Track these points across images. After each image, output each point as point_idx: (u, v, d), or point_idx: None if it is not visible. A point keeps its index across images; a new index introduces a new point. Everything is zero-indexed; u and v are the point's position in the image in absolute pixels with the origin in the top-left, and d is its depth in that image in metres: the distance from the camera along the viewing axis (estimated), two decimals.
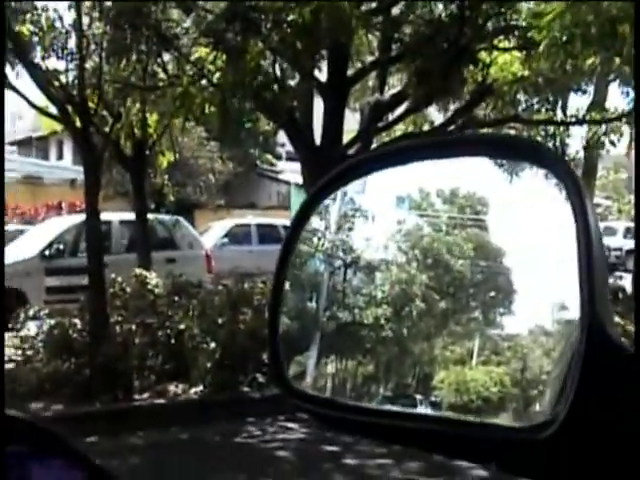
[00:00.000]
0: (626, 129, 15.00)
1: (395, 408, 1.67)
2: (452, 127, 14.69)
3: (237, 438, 10.22)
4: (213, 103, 12.93)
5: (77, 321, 12.06)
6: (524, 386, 1.59)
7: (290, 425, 10.36)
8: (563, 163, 1.45)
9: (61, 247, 18.64)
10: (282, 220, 27.01)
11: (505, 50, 13.75)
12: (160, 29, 13.16)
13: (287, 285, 1.79)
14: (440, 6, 13.25)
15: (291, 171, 31.28)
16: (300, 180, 16.65)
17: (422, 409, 1.64)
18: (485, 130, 16.65)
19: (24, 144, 46.54)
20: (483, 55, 13.52)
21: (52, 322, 12.21)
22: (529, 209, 1.58)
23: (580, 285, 1.28)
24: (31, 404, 10.51)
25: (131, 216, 17.56)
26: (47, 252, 18.33)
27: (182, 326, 12.08)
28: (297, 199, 29.64)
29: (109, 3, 12.90)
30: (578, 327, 1.34)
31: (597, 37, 10.26)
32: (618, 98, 24.81)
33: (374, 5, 13.54)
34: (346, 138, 14.02)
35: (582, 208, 1.32)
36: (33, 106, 13.56)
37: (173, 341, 12.00)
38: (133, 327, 11.99)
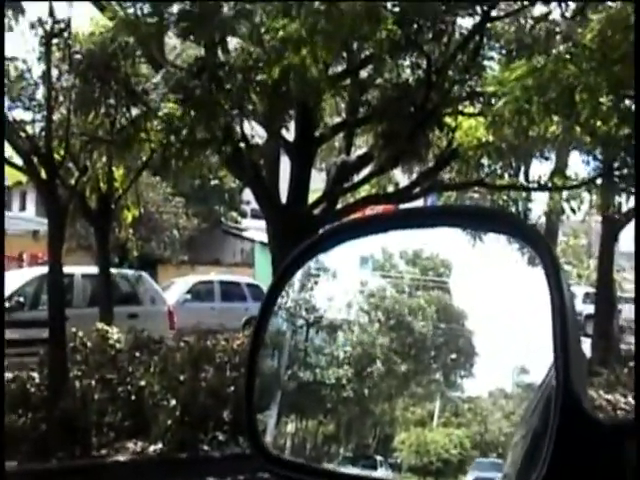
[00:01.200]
0: (586, 196, 15.24)
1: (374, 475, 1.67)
2: (417, 190, 14.82)
3: None
4: (180, 159, 12.94)
5: (35, 375, 11.87)
6: (484, 448, 1.60)
7: None
8: (542, 239, 1.47)
9: (22, 299, 18.40)
10: (246, 278, 26.96)
11: (470, 115, 13.96)
12: (129, 84, 13.22)
13: (262, 354, 1.79)
14: (407, 71, 13.46)
15: (256, 229, 31.32)
16: (265, 238, 16.66)
17: (384, 472, 1.64)
18: (449, 193, 16.85)
19: None
20: (448, 120, 13.71)
21: (10, 375, 11.99)
22: (491, 273, 1.60)
23: (555, 362, 1.29)
24: None
25: (94, 270, 17.43)
26: (7, 304, 18.09)
27: (143, 382, 11.94)
28: (261, 257, 29.63)
29: (79, 56, 12.94)
30: (547, 397, 1.35)
31: (556, 104, 10.46)
32: (579, 166, 25.15)
33: (343, 67, 13.72)
34: (312, 197, 14.09)
35: (559, 287, 1.33)
36: None
37: (133, 397, 11.85)
38: (93, 382, 11.83)
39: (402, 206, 17.13)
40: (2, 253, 11.83)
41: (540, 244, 1.43)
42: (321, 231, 1.76)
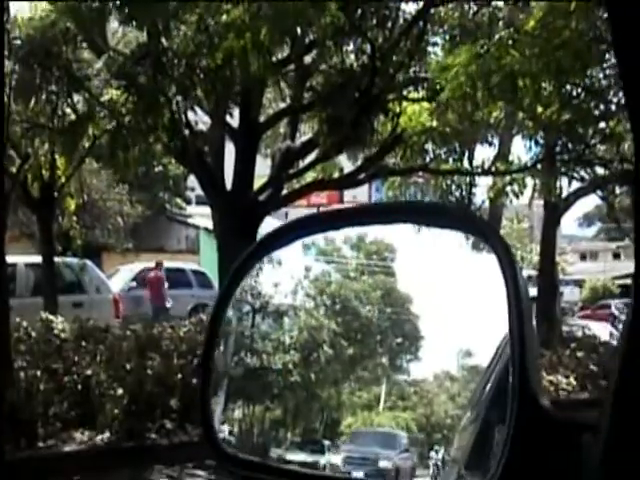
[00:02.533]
0: (529, 181, 15.42)
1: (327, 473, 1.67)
2: (362, 175, 14.86)
3: None
4: (125, 147, 12.80)
5: None
6: (430, 431, 1.61)
7: (198, 472, 10.23)
8: (495, 233, 1.47)
9: None
10: (191, 264, 26.81)
11: (414, 101, 14.02)
12: (71, 70, 13.03)
13: (218, 353, 1.78)
14: (352, 56, 13.46)
15: (200, 215, 31.16)
16: (210, 225, 16.59)
17: (332, 456, 1.65)
18: (394, 178, 16.91)
19: None
20: (393, 105, 13.75)
21: None
22: (435, 257, 1.61)
23: (512, 356, 1.27)
24: None
25: (37, 259, 17.20)
26: None
27: (89, 372, 11.81)
28: (206, 243, 29.48)
29: (18, 42, 12.72)
30: (499, 384, 1.36)
31: (499, 90, 10.57)
32: (521, 151, 25.45)
33: (287, 53, 13.68)
34: (257, 183, 14.05)
35: (514, 281, 1.33)
36: None
37: (80, 387, 11.72)
38: (38, 373, 11.66)
39: (347, 192, 17.19)
40: (2, 246, 11.63)
41: (494, 238, 1.43)
42: (273, 229, 1.74)
